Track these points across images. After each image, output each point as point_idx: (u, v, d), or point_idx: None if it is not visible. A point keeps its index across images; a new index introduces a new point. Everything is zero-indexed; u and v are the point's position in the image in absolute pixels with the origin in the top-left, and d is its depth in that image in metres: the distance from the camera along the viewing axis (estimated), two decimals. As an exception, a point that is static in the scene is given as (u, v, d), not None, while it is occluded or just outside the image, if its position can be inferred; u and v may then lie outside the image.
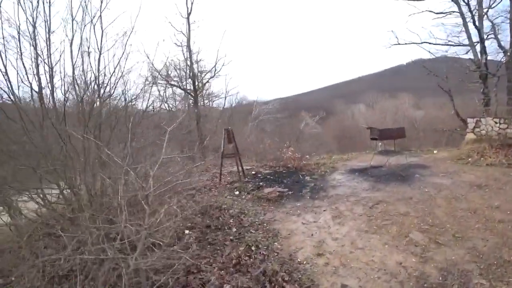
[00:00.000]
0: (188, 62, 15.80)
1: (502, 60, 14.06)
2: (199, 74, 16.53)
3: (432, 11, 15.77)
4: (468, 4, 14.16)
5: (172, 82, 16.37)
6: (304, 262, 4.48)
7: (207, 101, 23.34)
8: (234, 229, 5.97)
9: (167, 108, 21.51)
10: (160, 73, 15.46)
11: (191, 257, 5.09)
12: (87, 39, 6.11)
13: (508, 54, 13.53)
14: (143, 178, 3.99)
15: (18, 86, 5.45)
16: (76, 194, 5.27)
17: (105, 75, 6.30)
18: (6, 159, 4.61)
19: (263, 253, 4.89)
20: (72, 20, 6.03)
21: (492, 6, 14.36)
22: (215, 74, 16.00)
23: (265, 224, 6.08)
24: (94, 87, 6.25)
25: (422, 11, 16.22)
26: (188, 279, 4.40)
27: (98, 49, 6.10)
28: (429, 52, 17.39)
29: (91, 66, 6.21)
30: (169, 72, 16.94)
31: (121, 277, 3.30)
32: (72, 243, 3.56)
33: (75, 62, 6.04)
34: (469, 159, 9.63)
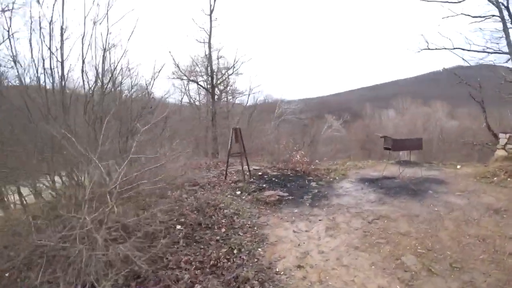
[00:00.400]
0: (208, 58, 15.83)
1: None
2: (218, 70, 16.56)
3: (468, 15, 14.54)
4: (507, 8, 12.89)
5: (192, 78, 16.52)
6: (282, 273, 4.25)
7: (230, 97, 23.46)
8: (223, 230, 5.86)
9: (190, 102, 21.95)
10: (180, 68, 15.71)
11: (175, 253, 5.15)
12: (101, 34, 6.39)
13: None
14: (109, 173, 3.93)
15: (25, 73, 5.71)
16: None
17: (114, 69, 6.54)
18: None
19: (243, 258, 4.74)
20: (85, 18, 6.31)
21: None
22: (233, 71, 15.95)
23: (255, 228, 5.89)
24: (101, 80, 6.45)
25: (457, 14, 15.03)
26: (166, 274, 4.37)
27: (103, 45, 6.33)
28: (463, 59, 16.16)
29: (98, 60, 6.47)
30: (193, 68, 17.19)
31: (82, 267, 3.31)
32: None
33: (85, 56, 6.31)
34: (495, 178, 8.79)
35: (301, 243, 5.13)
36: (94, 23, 6.67)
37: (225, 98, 21.82)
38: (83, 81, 6.59)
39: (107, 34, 6.60)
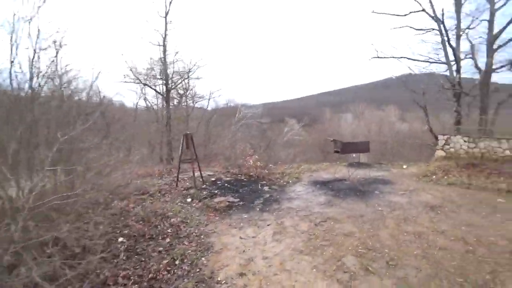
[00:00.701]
0: (163, 62, 15.37)
1: (476, 80, 14.10)
2: (175, 74, 16.13)
3: (412, 27, 15.78)
4: (443, 23, 14.18)
5: (147, 81, 15.92)
6: (223, 282, 4.10)
7: (191, 101, 22.95)
8: (168, 240, 5.59)
9: (147, 106, 21.07)
10: (135, 72, 15.05)
11: (113, 267, 4.78)
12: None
13: (482, 75, 13.58)
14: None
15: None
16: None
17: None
18: None
19: (185, 269, 4.52)
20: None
21: (471, 27, 14.42)
22: (189, 75, 15.65)
23: (202, 236, 5.68)
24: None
25: (403, 27, 16.25)
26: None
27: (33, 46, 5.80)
28: (409, 67, 17.47)
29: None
30: (148, 71, 16.55)
31: None
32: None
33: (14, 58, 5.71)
34: (433, 176, 9.46)
35: (246, 250, 5.02)
36: (26, 21, 6.10)
37: (185, 102, 21.32)
38: (11, 85, 5.97)
39: (38, 34, 6.03)
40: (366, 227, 5.67)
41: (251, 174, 9.54)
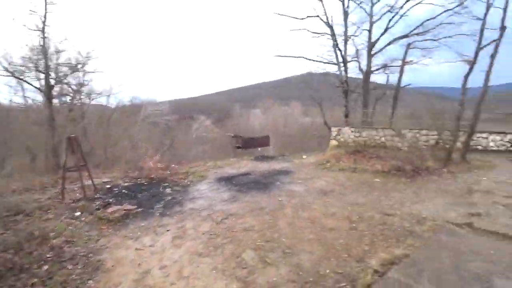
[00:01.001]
0: (42, 51, 12.93)
1: (360, 80, 16.56)
2: (60, 66, 13.79)
3: (309, 30, 17.30)
4: (332, 28, 16.08)
5: (20, 74, 13.14)
6: (112, 306, 3.59)
7: (86, 98, 20.05)
8: (46, 267, 4.63)
9: (25, 104, 17.46)
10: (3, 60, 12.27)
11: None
12: None
13: (364, 75, 15.97)
14: None
15: None
16: None
17: None
18: None
19: (66, 298, 3.81)
20: None
21: (356, 34, 16.74)
22: (80, 68, 13.60)
23: (90, 255, 4.92)
24: None
25: (301, 29, 17.79)
26: None
27: None
28: (307, 67, 19.21)
29: None
30: (25, 62, 13.65)
31: None
32: None
33: None
34: (328, 164, 10.52)
35: (143, 262, 4.55)
36: None
37: (79, 99, 18.49)
38: None
39: None
40: (266, 219, 5.84)
41: (152, 176, 8.88)
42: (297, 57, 18.13)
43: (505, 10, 8.91)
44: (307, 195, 7.19)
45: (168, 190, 7.92)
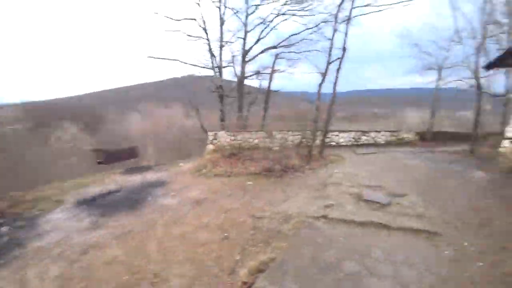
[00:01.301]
0: None
1: (234, 84, 17.29)
2: None
3: (185, 33, 16.88)
4: (206, 32, 16.30)
5: None
6: None
7: None
8: None
9: None
10: None
11: None
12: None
13: (238, 80, 16.79)
14: None
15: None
16: None
17: None
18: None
19: None
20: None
21: (231, 41, 17.38)
22: None
23: None
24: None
25: (176, 31, 17.19)
26: None
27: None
28: (183, 69, 18.78)
29: None
30: None
31: None
32: None
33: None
34: (204, 170, 10.38)
35: None
36: None
37: None
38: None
39: None
40: (133, 245, 5.22)
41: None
42: (172, 59, 17.48)
43: (346, 34, 10.98)
44: (180, 208, 6.86)
45: (3, 229, 6.12)
